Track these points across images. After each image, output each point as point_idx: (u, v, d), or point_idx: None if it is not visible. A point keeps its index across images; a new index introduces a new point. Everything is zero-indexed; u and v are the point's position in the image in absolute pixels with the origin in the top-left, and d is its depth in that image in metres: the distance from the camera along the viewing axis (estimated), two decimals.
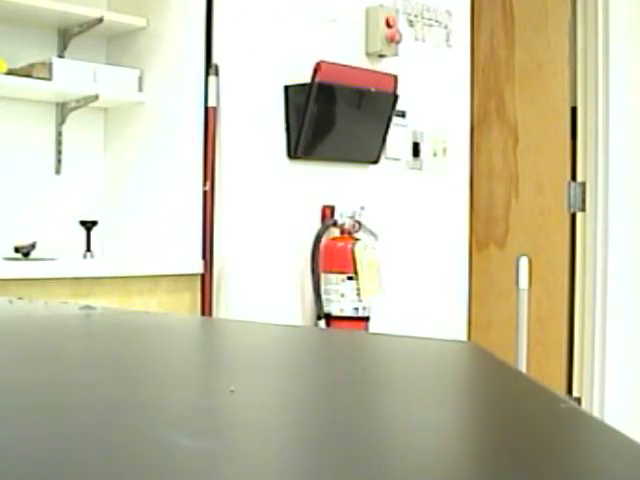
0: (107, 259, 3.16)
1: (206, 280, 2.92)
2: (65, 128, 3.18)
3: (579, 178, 3.83)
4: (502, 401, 0.75)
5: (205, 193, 2.93)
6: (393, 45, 3.22)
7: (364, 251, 2.98)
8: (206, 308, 2.90)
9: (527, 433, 0.62)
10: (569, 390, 3.82)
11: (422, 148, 3.46)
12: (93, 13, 3.04)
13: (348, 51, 3.16)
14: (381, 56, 3.24)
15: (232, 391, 0.69)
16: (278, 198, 3.01)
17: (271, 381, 0.80)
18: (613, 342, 3.73)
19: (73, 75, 2.99)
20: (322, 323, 2.98)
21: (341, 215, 3.06)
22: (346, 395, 0.72)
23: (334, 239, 3.04)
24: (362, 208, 3.07)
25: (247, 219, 2.95)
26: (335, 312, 2.97)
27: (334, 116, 3.08)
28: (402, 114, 3.32)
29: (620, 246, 3.74)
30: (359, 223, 3.06)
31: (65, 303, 1.62)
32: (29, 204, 3.12)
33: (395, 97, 3.19)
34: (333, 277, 2.98)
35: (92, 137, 3.29)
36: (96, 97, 3.03)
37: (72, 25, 3.09)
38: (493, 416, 0.69)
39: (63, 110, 3.17)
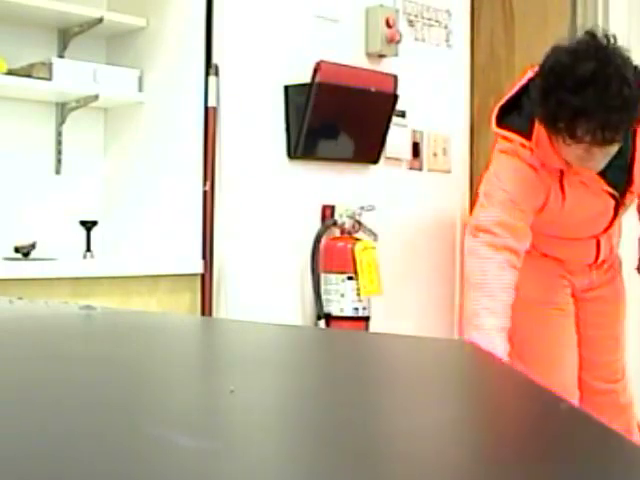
0: (107, 259, 3.16)
1: (206, 280, 2.91)
2: (65, 128, 3.18)
3: None
4: (501, 401, 0.75)
5: (205, 193, 2.93)
6: (393, 45, 3.23)
7: (364, 251, 2.98)
8: (206, 308, 2.90)
9: (527, 433, 0.62)
10: None
11: (422, 148, 3.46)
12: (93, 13, 3.04)
13: (348, 51, 3.16)
14: (381, 56, 3.24)
15: (232, 391, 0.69)
16: (278, 198, 3.01)
17: (271, 381, 0.80)
18: None
19: (73, 75, 2.98)
20: (322, 323, 2.98)
21: (341, 215, 3.06)
22: (346, 395, 0.72)
23: (334, 239, 3.04)
24: (362, 208, 3.07)
25: (247, 219, 2.95)
26: (335, 312, 2.97)
27: (334, 116, 3.08)
28: (402, 114, 3.32)
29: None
30: (359, 223, 3.06)
31: (65, 303, 1.62)
32: (29, 204, 3.12)
33: (395, 97, 3.19)
34: (333, 277, 2.98)
35: (92, 137, 3.28)
36: (96, 97, 3.03)
37: (72, 25, 3.09)
38: (492, 416, 0.69)
39: (63, 110, 3.16)
